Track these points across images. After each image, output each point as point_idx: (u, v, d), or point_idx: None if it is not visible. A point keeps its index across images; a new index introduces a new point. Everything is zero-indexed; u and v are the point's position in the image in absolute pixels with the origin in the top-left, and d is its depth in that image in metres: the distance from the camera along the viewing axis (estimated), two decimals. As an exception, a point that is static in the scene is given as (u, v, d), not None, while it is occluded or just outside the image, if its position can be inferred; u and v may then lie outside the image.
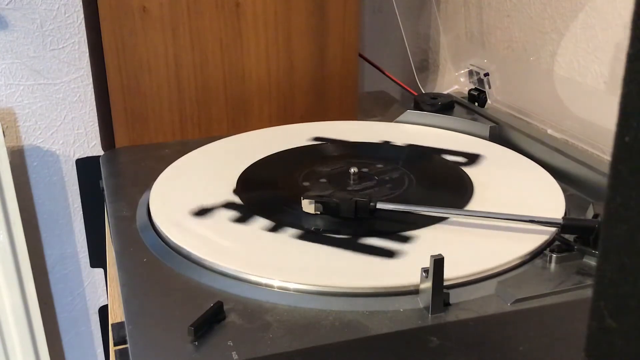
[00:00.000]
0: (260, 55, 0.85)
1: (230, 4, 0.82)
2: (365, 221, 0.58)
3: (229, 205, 0.62)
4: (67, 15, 0.96)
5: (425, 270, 0.47)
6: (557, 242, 0.54)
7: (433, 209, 0.58)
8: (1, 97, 0.97)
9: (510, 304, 0.47)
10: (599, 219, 0.54)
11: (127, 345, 0.45)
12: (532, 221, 0.55)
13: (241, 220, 0.59)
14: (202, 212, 0.61)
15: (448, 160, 0.72)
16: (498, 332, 0.45)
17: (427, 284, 0.46)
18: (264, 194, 0.65)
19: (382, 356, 0.43)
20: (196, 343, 0.43)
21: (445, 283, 0.46)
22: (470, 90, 0.92)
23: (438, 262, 0.45)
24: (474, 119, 0.85)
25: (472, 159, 0.72)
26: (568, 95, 0.77)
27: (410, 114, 0.86)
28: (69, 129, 1.01)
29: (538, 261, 0.53)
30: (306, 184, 0.66)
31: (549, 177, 0.67)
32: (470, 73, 0.94)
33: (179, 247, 0.55)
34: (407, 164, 0.70)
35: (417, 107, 0.88)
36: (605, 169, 0.64)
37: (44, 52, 0.96)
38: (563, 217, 0.55)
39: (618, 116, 0.19)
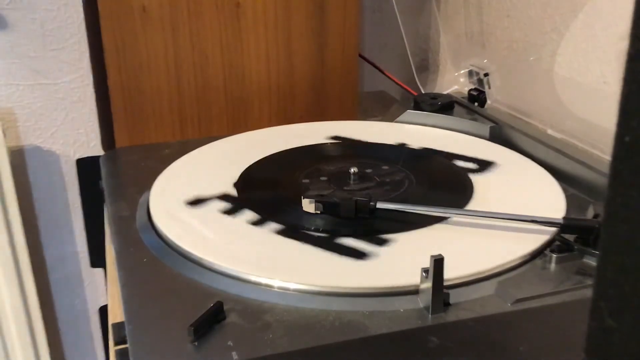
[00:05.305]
0: (260, 56, 0.85)
1: (230, 4, 0.82)
2: (366, 221, 0.58)
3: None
4: (67, 15, 0.96)
5: (425, 270, 0.47)
6: (557, 242, 0.54)
7: (433, 208, 0.58)
8: (1, 97, 0.97)
9: (510, 304, 0.47)
10: (599, 219, 0.54)
11: (127, 345, 0.45)
12: (532, 221, 0.55)
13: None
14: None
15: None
16: (498, 332, 0.45)
17: (427, 284, 0.46)
18: (264, 194, 0.65)
19: (382, 356, 0.43)
20: (196, 343, 0.43)
21: (445, 283, 0.46)
22: (470, 90, 0.92)
23: (438, 262, 0.45)
24: (474, 119, 0.84)
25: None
26: (568, 95, 0.77)
27: (410, 114, 0.86)
28: (69, 129, 1.01)
29: (538, 261, 0.53)
30: (306, 183, 0.66)
31: (549, 177, 0.67)
32: (470, 73, 0.94)
33: (179, 247, 0.55)
34: (407, 164, 0.70)
35: (417, 107, 0.88)
36: (605, 169, 0.64)
37: (44, 52, 0.96)
38: (563, 217, 0.55)
39: (618, 116, 0.19)
